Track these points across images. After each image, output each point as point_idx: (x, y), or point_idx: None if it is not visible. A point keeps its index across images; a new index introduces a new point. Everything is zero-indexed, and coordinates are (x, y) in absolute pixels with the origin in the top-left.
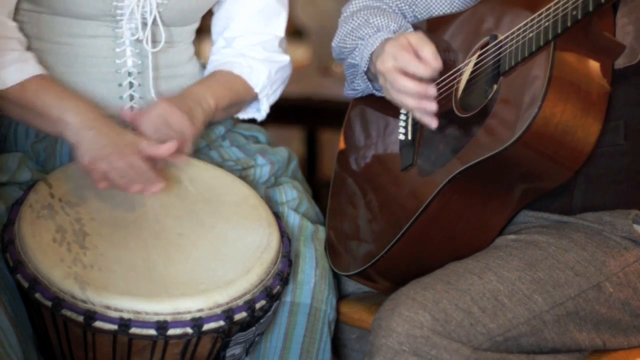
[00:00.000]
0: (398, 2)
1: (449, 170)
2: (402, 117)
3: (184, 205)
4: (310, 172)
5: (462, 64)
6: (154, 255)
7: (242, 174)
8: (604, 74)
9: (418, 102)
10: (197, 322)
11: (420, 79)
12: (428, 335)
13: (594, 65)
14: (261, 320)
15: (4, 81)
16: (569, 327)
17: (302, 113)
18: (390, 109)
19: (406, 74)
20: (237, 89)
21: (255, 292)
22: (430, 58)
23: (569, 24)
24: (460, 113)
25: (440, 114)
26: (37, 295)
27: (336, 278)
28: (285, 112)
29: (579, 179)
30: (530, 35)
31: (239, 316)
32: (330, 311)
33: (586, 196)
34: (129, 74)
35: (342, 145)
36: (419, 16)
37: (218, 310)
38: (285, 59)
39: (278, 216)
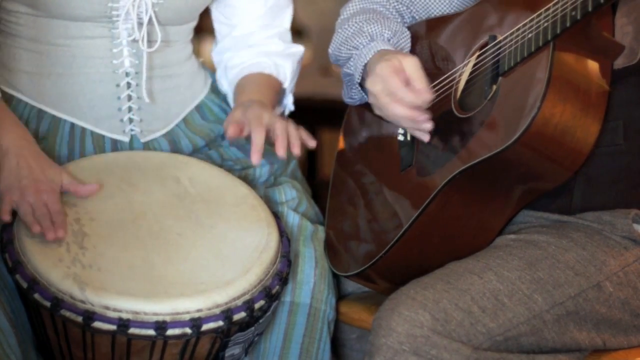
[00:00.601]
0: (395, 4)
1: (448, 171)
2: None
3: (183, 205)
4: (310, 172)
5: (461, 65)
6: (153, 256)
7: (242, 173)
8: (603, 74)
9: (411, 124)
10: (196, 323)
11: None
12: (428, 335)
13: (593, 65)
14: (260, 321)
15: None
16: (569, 327)
17: (302, 113)
18: None
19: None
20: (275, 88)
21: (254, 292)
22: (420, 89)
23: (568, 25)
24: (459, 113)
25: (440, 115)
26: (36, 295)
27: (336, 278)
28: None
29: (578, 178)
30: (530, 35)
31: (238, 316)
32: (329, 311)
33: (586, 196)
34: (127, 74)
35: (341, 145)
36: (416, 17)
37: (217, 311)
38: (301, 49)
39: (277, 216)
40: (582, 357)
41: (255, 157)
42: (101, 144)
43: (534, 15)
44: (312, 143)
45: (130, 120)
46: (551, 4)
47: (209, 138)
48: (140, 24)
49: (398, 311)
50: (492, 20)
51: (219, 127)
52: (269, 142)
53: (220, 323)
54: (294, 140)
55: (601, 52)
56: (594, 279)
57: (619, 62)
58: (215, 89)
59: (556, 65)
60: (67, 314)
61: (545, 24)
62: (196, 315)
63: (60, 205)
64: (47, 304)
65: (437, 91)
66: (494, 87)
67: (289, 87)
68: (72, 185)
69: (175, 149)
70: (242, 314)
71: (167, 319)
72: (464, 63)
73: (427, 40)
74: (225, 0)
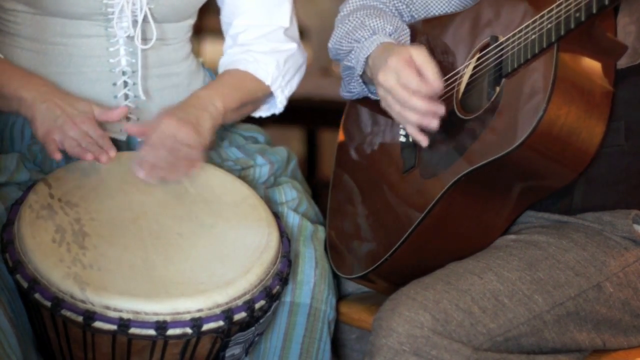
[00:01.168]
0: (395, 2)
1: (453, 173)
2: None
3: (183, 206)
4: (310, 172)
5: (462, 66)
6: (153, 256)
7: (242, 174)
8: (607, 75)
9: (421, 118)
10: (196, 322)
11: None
12: (428, 335)
13: (597, 66)
14: (261, 321)
15: None
16: (569, 327)
17: (302, 113)
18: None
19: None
20: (246, 86)
21: (254, 292)
22: (432, 79)
23: (572, 26)
24: (462, 114)
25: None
26: (37, 295)
27: (336, 278)
28: (285, 112)
29: (579, 179)
30: (533, 37)
31: (239, 316)
32: (330, 311)
33: (586, 196)
34: (123, 72)
35: (340, 146)
36: (416, 16)
37: (217, 311)
38: (292, 46)
39: (277, 216)
40: (582, 358)
41: (137, 171)
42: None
43: (537, 16)
44: (194, 168)
45: (128, 119)
46: (554, 5)
47: None
48: (135, 21)
49: (398, 311)
50: (492, 21)
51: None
52: (269, 142)
53: (221, 323)
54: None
55: (605, 52)
56: (594, 279)
57: (622, 62)
58: None
59: (561, 67)
60: (68, 313)
61: (549, 26)
62: (197, 315)
63: (101, 130)
64: (48, 304)
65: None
66: (497, 88)
67: (276, 86)
68: (103, 113)
69: None
70: (243, 314)
71: (168, 318)
72: (465, 64)
73: (426, 39)
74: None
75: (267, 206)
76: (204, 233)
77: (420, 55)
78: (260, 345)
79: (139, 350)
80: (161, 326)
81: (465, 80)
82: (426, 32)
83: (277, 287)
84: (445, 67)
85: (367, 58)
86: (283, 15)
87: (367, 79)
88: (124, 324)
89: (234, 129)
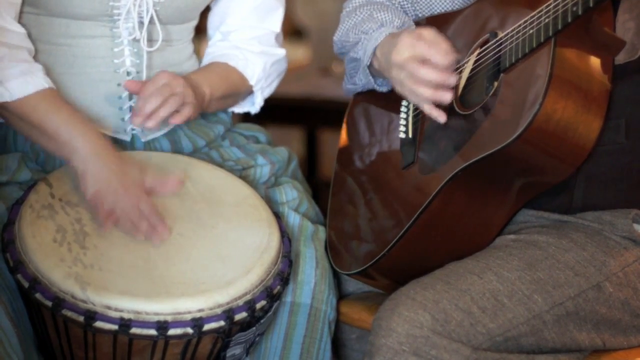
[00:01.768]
0: (400, 0)
1: (450, 168)
2: (403, 115)
3: (184, 206)
4: (310, 172)
5: (463, 62)
6: (154, 255)
7: (243, 174)
8: (605, 70)
9: (434, 92)
10: (197, 322)
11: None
12: (428, 335)
13: (595, 61)
14: (261, 321)
15: (11, 94)
16: (569, 327)
17: (302, 113)
18: (390, 107)
19: (424, 63)
20: (232, 79)
21: (255, 292)
22: (448, 49)
23: (569, 20)
24: (461, 110)
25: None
26: (38, 295)
27: (336, 278)
28: (285, 112)
29: (579, 177)
30: (531, 32)
31: (240, 316)
32: (330, 311)
33: (586, 195)
34: (128, 73)
35: (342, 144)
36: (420, 14)
37: (218, 311)
38: (281, 52)
39: (278, 216)
40: (582, 358)
41: (134, 119)
42: None
43: (535, 11)
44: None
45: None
46: (552, 0)
47: (209, 138)
48: (141, 23)
49: (398, 311)
50: (493, 17)
51: (219, 127)
52: (271, 142)
53: (222, 323)
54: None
55: (602, 47)
56: (593, 279)
57: (620, 58)
58: None
59: (558, 62)
60: (69, 313)
61: (547, 20)
62: (197, 315)
63: (152, 204)
64: (49, 303)
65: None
66: (496, 83)
67: (258, 87)
68: (156, 182)
69: (176, 148)
70: (244, 314)
71: (169, 318)
72: (465, 60)
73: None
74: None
75: (267, 206)
76: (205, 233)
77: (428, 31)
78: (260, 345)
79: (139, 350)
80: (162, 326)
81: (465, 76)
82: None
83: (278, 287)
84: None
85: (375, 49)
86: (275, 20)
87: (374, 71)
88: (124, 324)
89: (235, 129)
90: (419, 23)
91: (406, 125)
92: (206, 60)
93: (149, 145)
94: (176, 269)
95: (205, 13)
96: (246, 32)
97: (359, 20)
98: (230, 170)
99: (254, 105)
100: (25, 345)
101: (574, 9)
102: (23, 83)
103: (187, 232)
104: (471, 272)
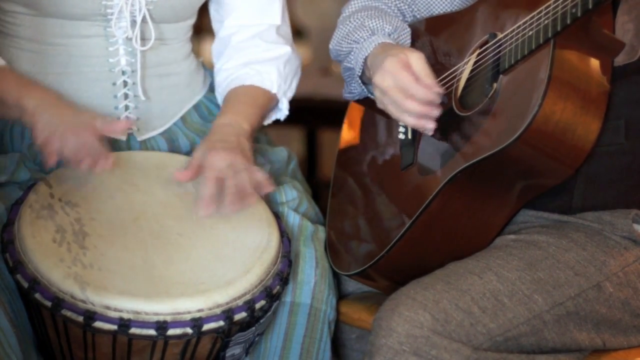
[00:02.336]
0: (397, 2)
1: (449, 169)
2: None
3: (183, 205)
4: (310, 172)
5: (462, 63)
6: (153, 256)
7: None
8: (604, 72)
9: (417, 120)
10: (196, 322)
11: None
12: (428, 335)
13: (594, 62)
14: (261, 321)
15: None
16: (569, 327)
17: (302, 113)
18: None
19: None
20: (260, 101)
21: (255, 292)
22: (431, 85)
23: (568, 22)
24: (460, 111)
25: (441, 113)
26: (37, 295)
27: (336, 278)
28: None
29: (579, 178)
30: (530, 33)
31: (239, 316)
32: (330, 311)
33: (586, 195)
34: (123, 72)
35: (342, 145)
36: (417, 15)
37: (218, 311)
38: (286, 49)
39: (278, 216)
40: (582, 357)
41: (201, 210)
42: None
43: (534, 12)
44: (268, 188)
45: (127, 119)
46: (551, 2)
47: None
48: (134, 22)
49: (398, 311)
50: (492, 19)
51: None
52: (270, 143)
53: (221, 323)
54: (244, 193)
55: (602, 49)
56: (594, 279)
57: (620, 60)
58: (214, 89)
59: (557, 63)
60: (68, 313)
61: (546, 22)
62: (197, 315)
63: (101, 142)
64: (48, 303)
65: None
66: (495, 85)
67: (281, 92)
68: (106, 125)
69: (173, 147)
70: (243, 314)
71: (168, 318)
72: (465, 61)
73: (428, 38)
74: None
75: (267, 206)
76: (204, 233)
77: (418, 61)
78: (260, 345)
79: (139, 350)
80: (161, 326)
81: (464, 77)
82: (428, 31)
83: (278, 287)
84: (446, 65)
85: (365, 59)
86: (274, 12)
87: (366, 80)
88: (124, 324)
89: None
90: (416, 25)
91: (405, 127)
92: (220, 90)
93: (146, 144)
94: (175, 269)
95: (205, 13)
96: (246, 32)
97: (351, 29)
98: None
99: (281, 111)
100: (25, 346)
101: (573, 10)
102: None
103: (187, 232)
104: (471, 272)
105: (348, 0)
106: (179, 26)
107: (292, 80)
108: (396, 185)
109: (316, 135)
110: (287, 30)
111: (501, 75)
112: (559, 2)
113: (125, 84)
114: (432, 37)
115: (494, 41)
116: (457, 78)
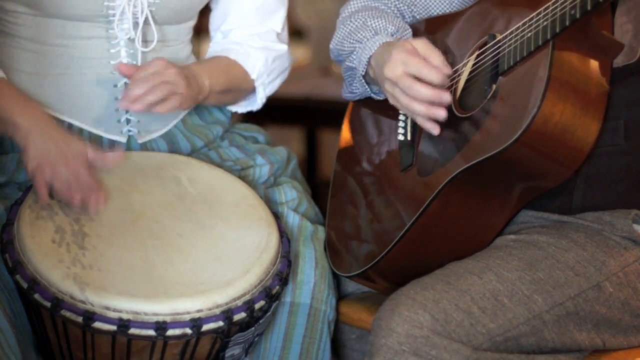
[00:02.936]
0: (396, 3)
1: (449, 170)
2: (402, 117)
3: (183, 206)
4: (310, 172)
5: (461, 64)
6: (153, 256)
7: (242, 174)
8: (603, 73)
9: (428, 108)
10: (196, 323)
11: (432, 85)
12: (428, 335)
13: (593, 64)
14: (260, 321)
15: None
16: (569, 327)
17: (302, 113)
18: (389, 109)
19: (418, 80)
20: (233, 73)
21: (254, 293)
22: (440, 65)
23: (567, 23)
24: (459, 113)
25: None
26: (36, 295)
27: (336, 278)
28: (285, 112)
29: (578, 178)
30: (529, 34)
31: (238, 317)
32: (329, 311)
33: (586, 196)
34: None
35: (341, 145)
36: (417, 16)
37: (217, 311)
38: (283, 47)
39: (277, 216)
40: (582, 358)
41: (120, 102)
42: (99, 145)
43: (534, 14)
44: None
45: (128, 121)
46: (550, 3)
47: (207, 139)
48: (136, 24)
49: (398, 312)
50: (491, 20)
51: (217, 128)
52: (270, 142)
53: (221, 323)
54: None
55: (601, 50)
56: (593, 279)
57: (619, 61)
58: None
59: (556, 64)
60: (68, 314)
61: (545, 23)
62: (196, 315)
63: (92, 176)
64: (48, 304)
65: None
66: (494, 86)
67: (259, 82)
68: (97, 156)
69: (174, 149)
70: (243, 314)
71: (167, 319)
72: (464, 62)
73: (428, 39)
74: (220, 0)
75: (266, 206)
76: (204, 233)
77: (421, 44)
78: (260, 346)
79: (138, 350)
80: (161, 326)
81: (463, 78)
82: (427, 32)
83: (277, 287)
84: None
85: (369, 58)
86: (277, 20)
87: (369, 79)
88: (123, 325)
89: (234, 130)
90: (416, 26)
91: (405, 128)
92: (208, 53)
93: (146, 146)
94: (175, 270)
95: (205, 14)
96: (246, 30)
97: (353, 29)
98: (229, 170)
99: (256, 102)
100: (24, 346)
101: (572, 12)
102: None
103: (186, 232)
104: (471, 272)
105: (348, 0)
106: (181, 27)
107: (277, 77)
108: (396, 187)
109: (316, 135)
110: (286, 37)
111: (500, 77)
112: (558, 3)
113: (126, 85)
114: (432, 38)
115: (493, 42)
116: (456, 79)
